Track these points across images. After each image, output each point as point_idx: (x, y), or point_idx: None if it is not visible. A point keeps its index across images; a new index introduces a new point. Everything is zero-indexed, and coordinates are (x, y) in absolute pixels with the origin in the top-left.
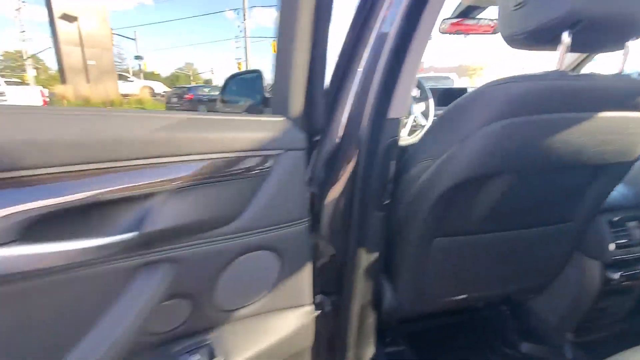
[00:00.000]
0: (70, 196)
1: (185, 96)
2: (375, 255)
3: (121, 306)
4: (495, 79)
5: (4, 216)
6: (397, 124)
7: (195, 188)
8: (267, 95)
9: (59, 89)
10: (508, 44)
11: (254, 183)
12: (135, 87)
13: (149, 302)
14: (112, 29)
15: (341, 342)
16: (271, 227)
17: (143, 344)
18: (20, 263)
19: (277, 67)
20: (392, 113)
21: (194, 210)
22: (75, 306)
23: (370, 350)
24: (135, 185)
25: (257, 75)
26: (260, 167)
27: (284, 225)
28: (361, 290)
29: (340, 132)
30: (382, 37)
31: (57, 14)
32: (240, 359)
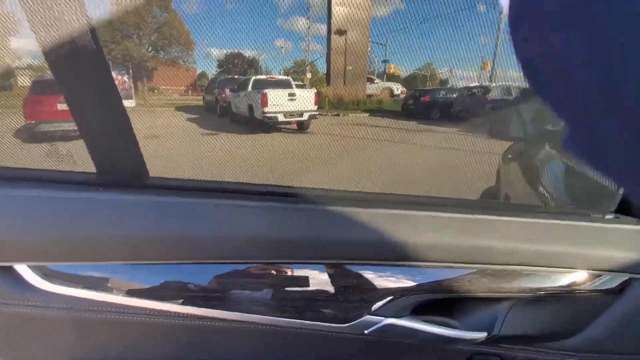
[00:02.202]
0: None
1: (422, 98)
2: None
3: None
4: None
5: (407, 297)
6: None
7: (538, 300)
8: (551, 127)
9: (323, 89)
10: None
11: (598, 303)
12: (377, 88)
13: None
14: (369, 37)
15: None
16: (607, 355)
17: None
18: (407, 333)
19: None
20: None
21: (538, 320)
22: None
23: None
24: (492, 288)
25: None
26: (605, 291)
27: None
28: None
29: None
30: None
31: (333, 29)
32: None
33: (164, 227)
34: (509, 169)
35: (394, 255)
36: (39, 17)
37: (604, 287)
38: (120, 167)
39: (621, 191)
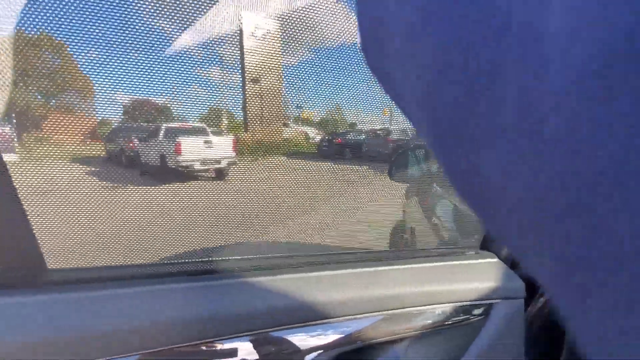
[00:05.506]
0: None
1: (335, 140)
2: None
3: None
4: None
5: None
6: None
7: (420, 337)
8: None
9: (241, 135)
10: None
11: (469, 332)
12: (293, 132)
13: None
14: (282, 86)
15: None
16: None
17: None
18: None
19: None
20: None
21: (431, 355)
22: None
23: None
24: (393, 330)
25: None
26: (477, 316)
27: None
28: None
29: None
30: None
31: (247, 78)
32: None
33: (67, 328)
34: (410, 205)
35: (307, 316)
36: None
37: (475, 316)
38: (13, 264)
39: (483, 229)
